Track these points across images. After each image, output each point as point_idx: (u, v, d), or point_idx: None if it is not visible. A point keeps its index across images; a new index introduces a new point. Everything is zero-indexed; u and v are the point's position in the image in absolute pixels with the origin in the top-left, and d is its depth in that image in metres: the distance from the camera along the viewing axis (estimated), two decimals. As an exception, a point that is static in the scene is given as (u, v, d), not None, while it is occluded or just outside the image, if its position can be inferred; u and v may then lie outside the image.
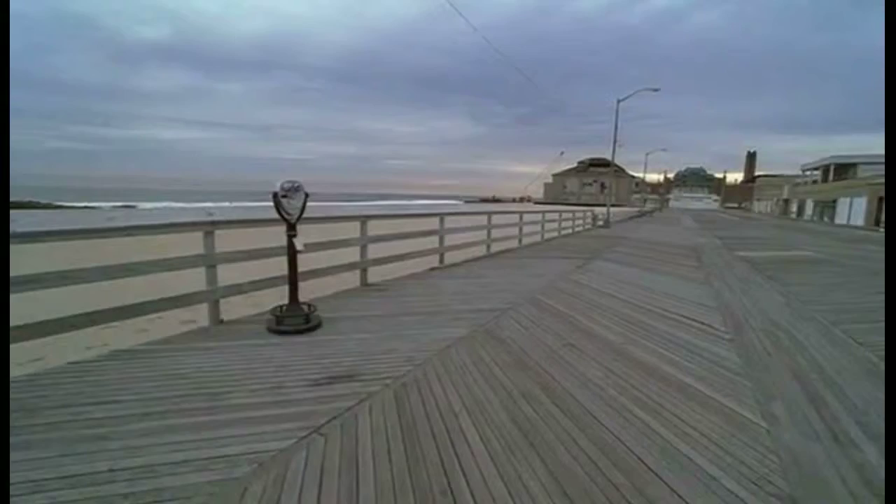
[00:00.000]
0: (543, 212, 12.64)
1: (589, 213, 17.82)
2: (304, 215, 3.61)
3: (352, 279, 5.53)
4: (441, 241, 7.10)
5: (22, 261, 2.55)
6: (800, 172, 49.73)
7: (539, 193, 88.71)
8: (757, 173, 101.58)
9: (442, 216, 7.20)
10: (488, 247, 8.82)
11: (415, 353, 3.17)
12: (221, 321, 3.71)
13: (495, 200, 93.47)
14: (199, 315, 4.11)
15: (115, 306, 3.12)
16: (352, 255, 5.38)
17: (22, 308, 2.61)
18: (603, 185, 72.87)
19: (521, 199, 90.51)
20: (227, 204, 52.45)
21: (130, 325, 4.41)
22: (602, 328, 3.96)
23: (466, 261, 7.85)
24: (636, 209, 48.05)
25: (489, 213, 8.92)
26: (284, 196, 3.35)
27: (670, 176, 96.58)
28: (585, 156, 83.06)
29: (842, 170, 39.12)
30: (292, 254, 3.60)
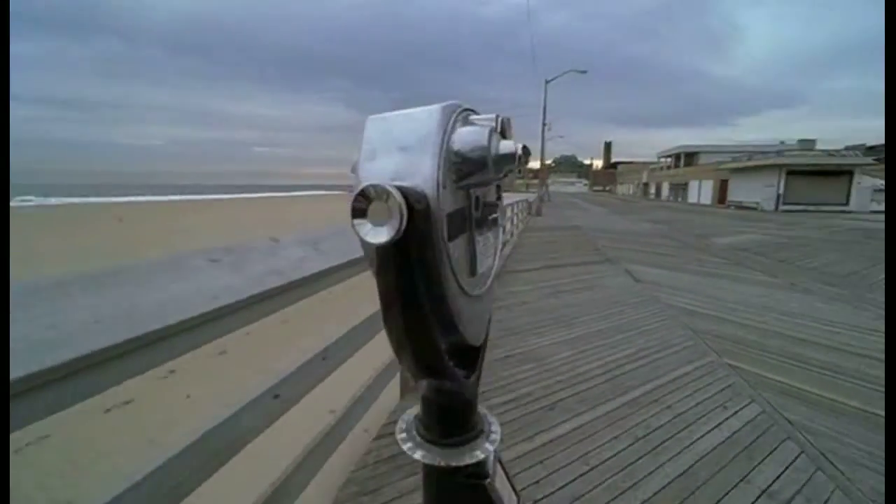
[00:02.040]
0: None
1: (524, 202, 17.41)
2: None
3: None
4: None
5: None
6: (654, 159, 58.23)
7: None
8: (614, 160, 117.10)
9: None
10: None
11: None
12: None
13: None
14: None
15: None
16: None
17: None
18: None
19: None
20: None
21: None
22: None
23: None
24: (525, 196, 50.75)
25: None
26: None
27: (548, 162, 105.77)
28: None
29: (689, 157, 46.58)
30: None
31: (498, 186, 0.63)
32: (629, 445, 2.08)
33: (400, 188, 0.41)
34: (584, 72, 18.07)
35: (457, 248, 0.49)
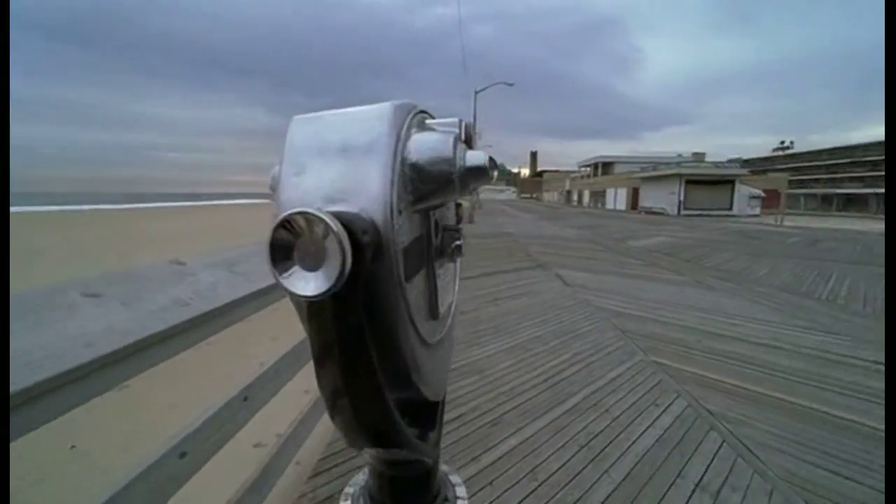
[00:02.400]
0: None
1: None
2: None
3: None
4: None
5: None
6: (576, 168, 62.49)
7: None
8: (540, 169, 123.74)
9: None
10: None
11: None
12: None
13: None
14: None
15: None
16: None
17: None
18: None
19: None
20: None
21: None
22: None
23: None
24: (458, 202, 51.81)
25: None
26: None
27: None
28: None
29: (606, 167, 50.65)
30: None
31: (458, 205, 0.53)
32: (574, 455, 2.08)
33: (339, 215, 0.29)
34: (512, 84, 18.87)
35: (414, 289, 0.38)
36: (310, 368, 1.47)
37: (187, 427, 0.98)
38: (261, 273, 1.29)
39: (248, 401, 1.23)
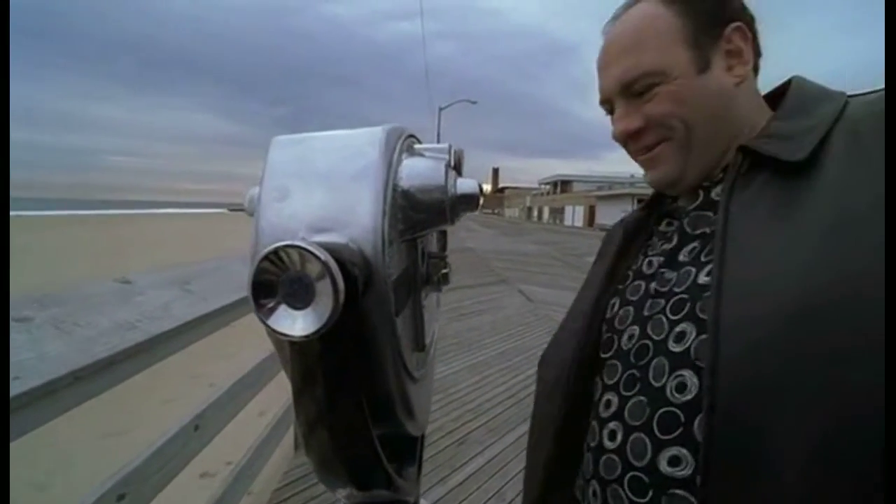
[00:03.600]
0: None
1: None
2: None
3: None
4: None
5: None
6: (536, 185, 64.55)
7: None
8: (501, 185, 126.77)
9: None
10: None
11: None
12: None
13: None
14: None
15: None
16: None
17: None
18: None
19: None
20: None
21: None
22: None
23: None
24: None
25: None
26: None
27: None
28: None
29: (565, 185, 52.69)
30: None
31: (443, 231, 0.51)
32: (540, 472, 2.09)
33: (329, 247, 0.27)
34: (475, 102, 19.29)
35: (403, 321, 0.36)
36: (268, 389, 1.39)
37: (128, 464, 0.89)
38: (218, 291, 1.21)
39: (200, 430, 1.14)
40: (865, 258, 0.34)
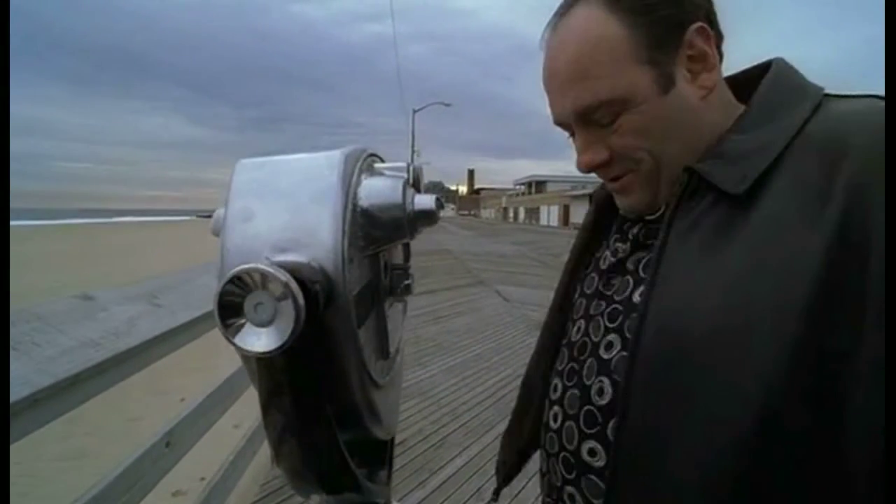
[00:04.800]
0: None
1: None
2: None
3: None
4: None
5: None
6: (511, 186, 65.42)
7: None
8: (477, 186, 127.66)
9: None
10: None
11: None
12: None
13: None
14: None
15: None
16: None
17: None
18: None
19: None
20: None
21: None
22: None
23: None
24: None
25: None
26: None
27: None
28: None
29: (539, 185, 53.57)
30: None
31: (406, 244, 0.54)
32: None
33: (291, 266, 0.29)
34: (449, 104, 19.41)
35: (365, 333, 0.38)
36: (241, 401, 1.38)
37: (93, 486, 0.86)
38: (187, 304, 1.19)
39: (172, 447, 1.12)
40: (760, 314, 0.35)
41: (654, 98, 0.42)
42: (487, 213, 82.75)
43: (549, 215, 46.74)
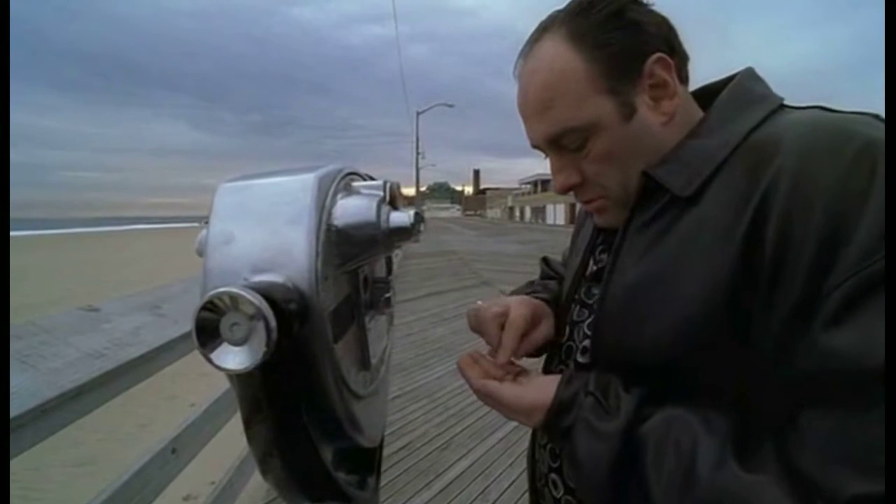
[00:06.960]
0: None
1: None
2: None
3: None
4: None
5: None
6: (517, 185, 65.26)
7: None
8: (483, 186, 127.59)
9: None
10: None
11: None
12: None
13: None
14: None
15: None
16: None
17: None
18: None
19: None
20: None
21: None
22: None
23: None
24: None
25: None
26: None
27: (423, 189, 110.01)
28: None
29: (545, 184, 53.32)
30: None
31: (388, 258, 0.55)
32: (523, 470, 2.13)
33: (264, 290, 0.30)
34: (452, 105, 19.48)
35: (343, 347, 0.40)
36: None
37: (102, 492, 0.89)
38: (189, 313, 1.22)
39: (178, 453, 1.15)
40: (680, 290, 0.41)
41: (617, 125, 0.44)
42: (493, 213, 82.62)
43: (556, 214, 46.55)
